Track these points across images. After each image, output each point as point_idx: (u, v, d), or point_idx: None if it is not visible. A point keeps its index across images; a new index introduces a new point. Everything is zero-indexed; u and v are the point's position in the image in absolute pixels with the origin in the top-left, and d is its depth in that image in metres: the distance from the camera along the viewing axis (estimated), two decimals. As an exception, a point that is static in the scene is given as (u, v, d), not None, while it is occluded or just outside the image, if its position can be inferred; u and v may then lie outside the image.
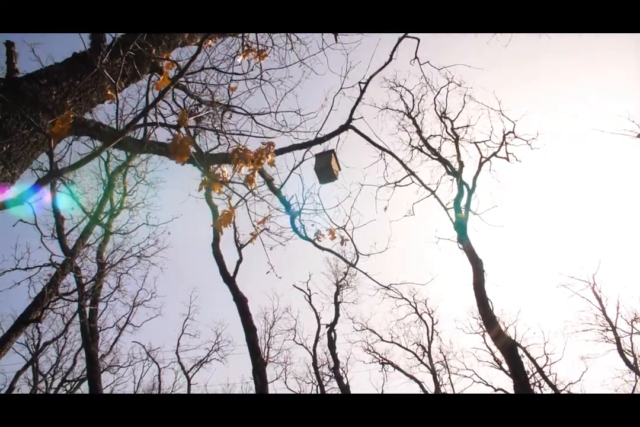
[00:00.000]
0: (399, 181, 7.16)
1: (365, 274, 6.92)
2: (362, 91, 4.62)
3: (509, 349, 10.00)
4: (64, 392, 25.02)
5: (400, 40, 4.32)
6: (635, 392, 18.69)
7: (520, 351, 21.21)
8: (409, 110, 15.14)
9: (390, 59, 4.44)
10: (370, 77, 4.57)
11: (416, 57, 4.97)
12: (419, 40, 4.61)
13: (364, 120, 5.02)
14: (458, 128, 14.82)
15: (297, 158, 5.23)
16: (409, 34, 4.39)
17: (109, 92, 2.80)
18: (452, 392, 22.94)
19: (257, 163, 2.47)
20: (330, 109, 4.85)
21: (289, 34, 8.47)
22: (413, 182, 6.66)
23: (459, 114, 14.82)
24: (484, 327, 11.12)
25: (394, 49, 4.38)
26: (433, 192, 6.84)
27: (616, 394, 17.28)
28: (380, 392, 24.44)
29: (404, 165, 5.20)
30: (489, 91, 23.36)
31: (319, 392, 23.46)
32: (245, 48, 3.30)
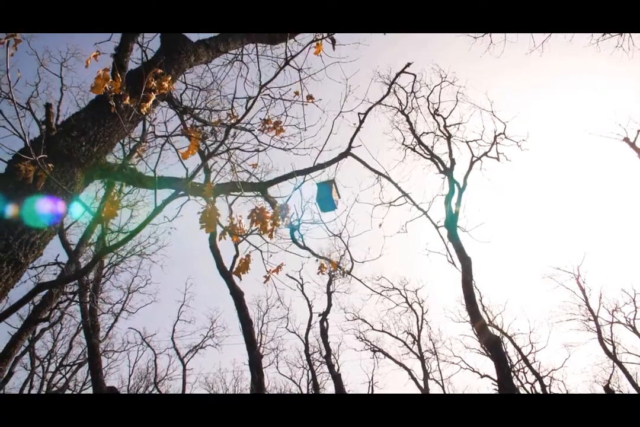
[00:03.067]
0: (394, 201, 7.52)
1: (360, 280, 7.35)
2: (361, 121, 4.92)
3: (494, 345, 10.52)
4: (61, 376, 25.60)
5: (398, 75, 4.60)
6: (611, 379, 19.57)
7: (506, 340, 22.11)
8: (403, 107, 15.40)
9: (389, 92, 4.73)
10: (369, 109, 4.88)
11: (413, 92, 5.23)
12: (415, 75, 4.91)
13: (363, 145, 5.33)
14: (450, 126, 15.11)
15: (297, 178, 5.58)
16: (407, 70, 4.67)
17: (138, 151, 3.11)
18: (442, 387, 23.80)
19: (274, 224, 2.80)
20: (330, 133, 5.17)
21: (287, 43, 8.67)
22: (407, 202, 7.01)
23: (451, 112, 15.09)
24: (470, 323, 11.61)
25: (392, 82, 4.67)
26: (425, 213, 7.20)
27: (616, 394, 18.09)
28: (370, 378, 25.24)
29: (399, 188, 5.55)
30: (481, 92, 23.59)
31: (310, 377, 24.21)
32: (263, 120, 3.58)
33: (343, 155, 5.03)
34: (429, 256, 12.71)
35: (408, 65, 4.82)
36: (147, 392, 27.88)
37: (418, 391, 22.52)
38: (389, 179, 5.18)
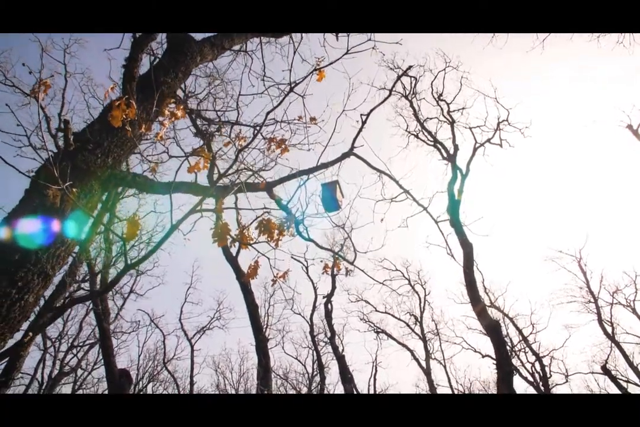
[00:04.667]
0: (395, 197, 7.68)
1: (362, 271, 7.59)
2: (364, 122, 5.06)
3: (493, 329, 10.83)
4: (72, 355, 26.40)
5: (399, 77, 4.72)
6: (609, 359, 19.99)
7: (507, 321, 22.55)
8: (407, 93, 15.35)
9: (390, 94, 4.86)
10: (371, 110, 5.01)
11: (414, 93, 5.32)
12: (417, 79, 5.02)
13: (366, 143, 5.47)
14: (454, 111, 15.08)
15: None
16: (407, 72, 4.79)
17: (152, 167, 3.30)
18: (444, 367, 24.37)
19: (280, 234, 2.99)
20: (333, 132, 5.32)
21: (291, 38, 8.75)
22: (407, 198, 7.19)
23: (455, 97, 15.05)
24: (472, 308, 11.92)
25: (394, 85, 4.79)
26: (425, 208, 7.38)
27: (616, 394, 18.52)
28: (374, 358, 25.84)
29: (400, 185, 5.72)
30: (484, 78, 23.36)
31: (315, 357, 24.84)
32: (268, 139, 3.74)
33: (346, 155, 5.18)
34: (432, 239, 12.95)
35: (409, 68, 4.95)
36: (155, 372, 28.67)
37: (420, 371, 23.16)
38: (390, 176, 5.35)
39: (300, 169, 5.33)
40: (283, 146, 3.78)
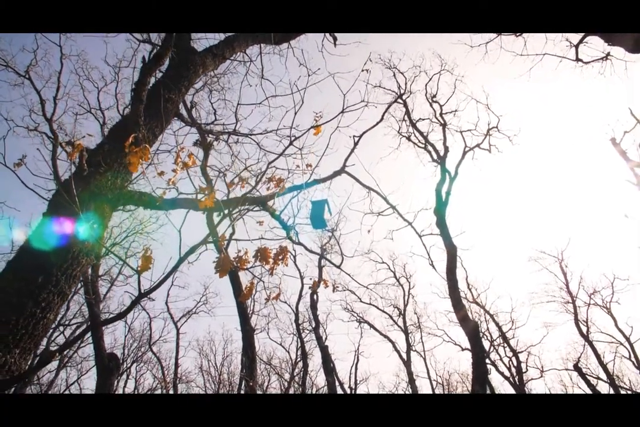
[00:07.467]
0: (382, 211, 8.03)
1: (349, 275, 8.02)
2: (356, 144, 5.37)
3: (472, 331, 11.32)
4: (59, 333, 26.73)
5: (390, 105, 5.02)
6: (582, 357, 20.83)
7: (487, 317, 23.27)
8: (401, 93, 15.53)
9: (382, 119, 5.16)
10: (363, 133, 5.32)
11: (406, 120, 5.63)
12: (407, 106, 5.32)
13: (357, 156, 5.79)
14: (446, 113, 15.35)
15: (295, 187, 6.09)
16: (399, 100, 5.08)
17: (160, 194, 3.61)
18: (424, 359, 25.12)
19: (275, 262, 3.31)
20: (326, 147, 5.63)
21: (290, 45, 8.97)
22: (394, 212, 7.51)
23: (448, 100, 15.30)
24: (452, 309, 12.41)
25: (386, 111, 5.09)
26: (410, 223, 7.73)
27: (615, 394, 19.23)
28: (356, 348, 26.52)
29: (387, 201, 6.06)
30: (477, 84, 23.63)
31: (299, 345, 25.44)
32: (266, 178, 4.02)
33: (337, 173, 5.50)
34: (418, 246, 13.35)
35: (400, 96, 5.24)
36: (140, 353, 29.09)
37: (400, 363, 23.88)
38: (379, 193, 5.70)
39: (293, 184, 5.68)
40: (281, 185, 4.08)
